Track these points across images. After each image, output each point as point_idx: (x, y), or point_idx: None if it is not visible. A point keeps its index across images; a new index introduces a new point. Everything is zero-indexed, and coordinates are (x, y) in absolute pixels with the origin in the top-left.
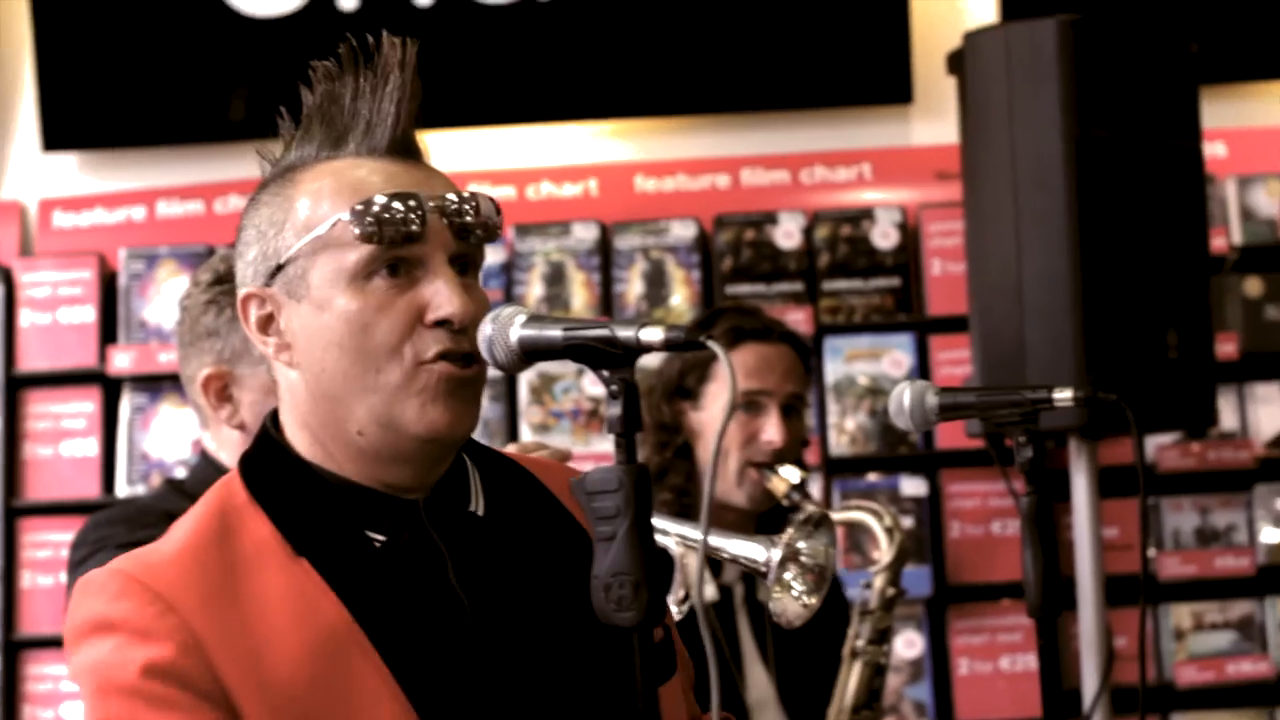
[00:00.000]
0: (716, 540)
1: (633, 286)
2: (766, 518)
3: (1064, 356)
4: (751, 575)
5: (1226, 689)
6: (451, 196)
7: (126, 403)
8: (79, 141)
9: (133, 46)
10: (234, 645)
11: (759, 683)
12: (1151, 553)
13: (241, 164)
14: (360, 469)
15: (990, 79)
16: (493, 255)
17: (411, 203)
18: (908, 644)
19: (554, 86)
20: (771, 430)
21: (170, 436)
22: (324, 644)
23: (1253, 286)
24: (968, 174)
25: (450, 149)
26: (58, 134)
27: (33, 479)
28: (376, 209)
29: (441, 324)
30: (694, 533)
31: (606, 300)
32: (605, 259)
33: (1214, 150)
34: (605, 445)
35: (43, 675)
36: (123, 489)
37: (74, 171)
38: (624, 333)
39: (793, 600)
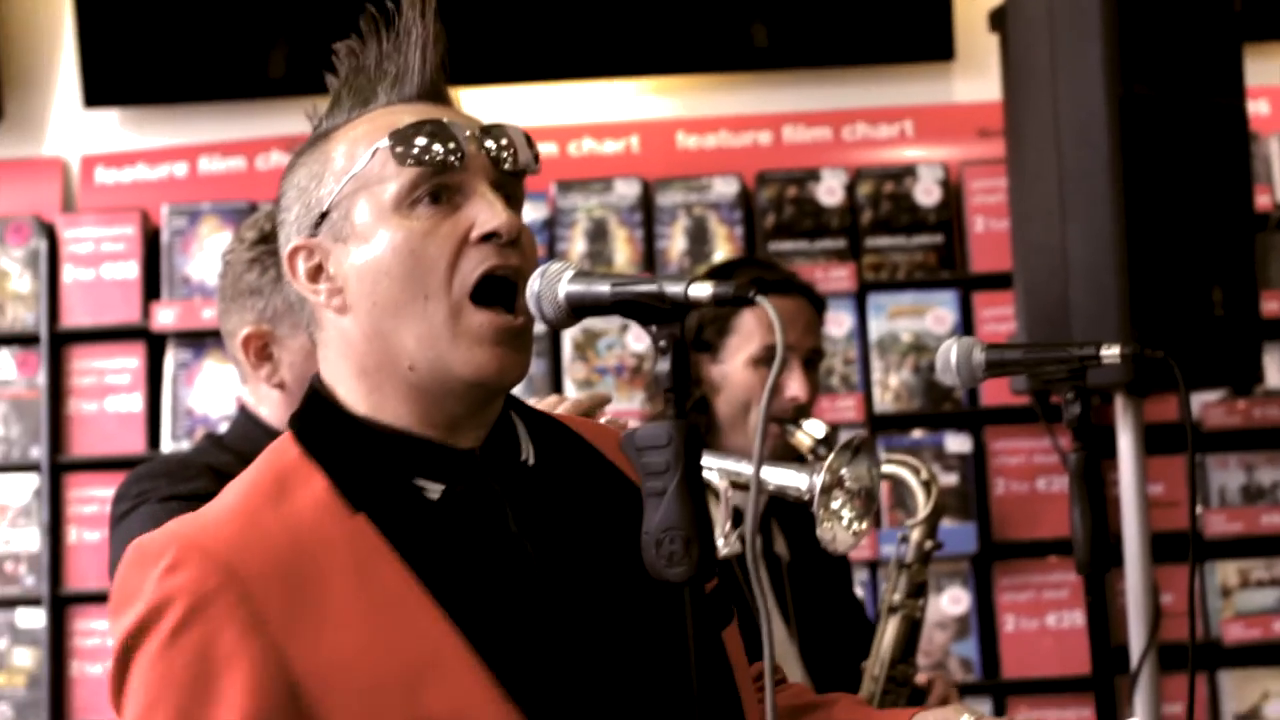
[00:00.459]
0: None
1: (675, 243)
2: None
3: (1108, 313)
4: (768, 527)
5: (1273, 646)
6: (485, 130)
7: (170, 358)
8: (121, 97)
9: (174, 2)
10: (295, 612)
11: (779, 637)
12: (1198, 510)
13: (283, 120)
14: (414, 412)
15: (1033, 35)
16: (535, 211)
17: (446, 131)
18: (954, 600)
19: (596, 43)
20: (795, 385)
21: (214, 392)
22: (386, 604)
23: None
24: (1010, 131)
25: (492, 105)
26: (99, 90)
27: (78, 435)
28: (414, 134)
29: (488, 239)
30: (735, 465)
31: (649, 257)
32: (647, 215)
33: (1258, 108)
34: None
35: (89, 630)
36: (167, 444)
37: (116, 127)
38: (672, 288)
39: (843, 528)
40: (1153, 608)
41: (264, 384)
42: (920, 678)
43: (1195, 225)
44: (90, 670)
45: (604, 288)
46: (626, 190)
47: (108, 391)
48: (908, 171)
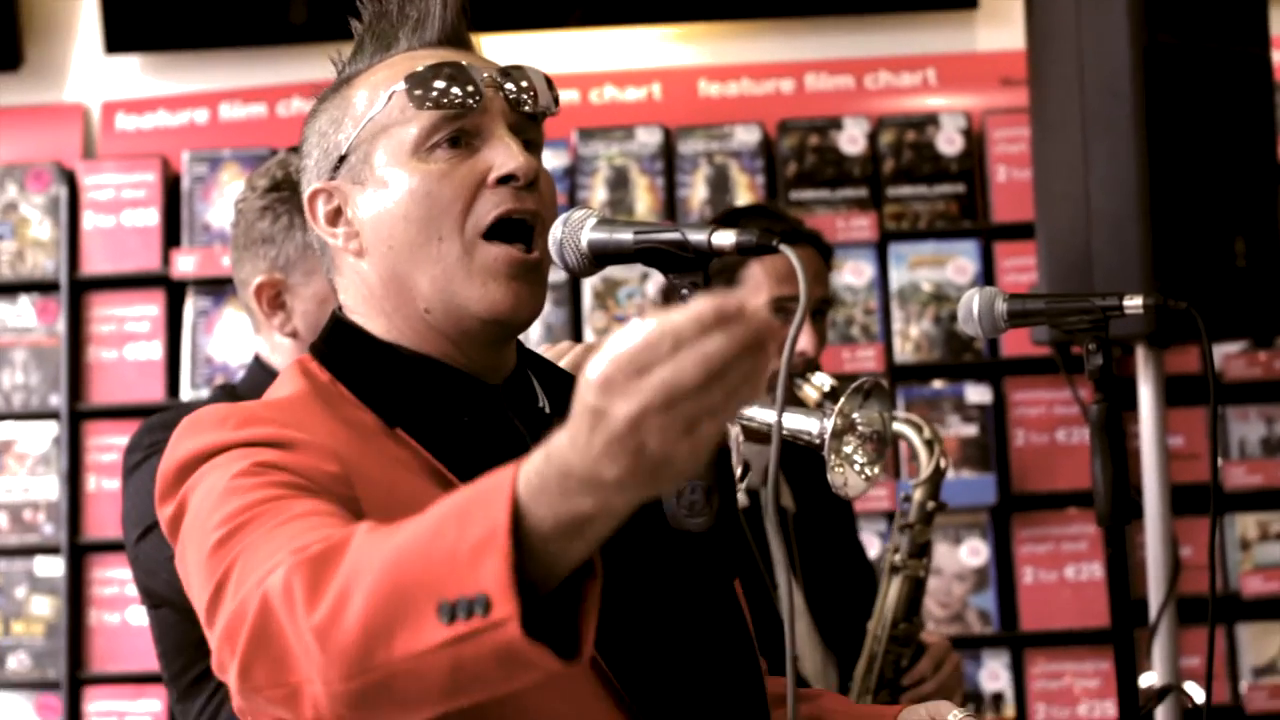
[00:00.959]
0: (767, 415)
1: (696, 191)
2: None
3: (1131, 264)
4: (778, 479)
5: None
6: (505, 73)
7: (190, 306)
8: (141, 43)
9: None
10: (368, 477)
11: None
12: (1219, 462)
13: (304, 66)
14: (437, 350)
15: None
16: (556, 159)
17: (466, 74)
18: (972, 552)
19: None
20: (804, 338)
21: (234, 340)
22: (432, 496)
23: None
24: (1034, 80)
25: (514, 52)
26: (120, 36)
27: (97, 382)
28: (431, 78)
29: (504, 182)
30: (748, 411)
31: (670, 205)
32: (669, 164)
33: None
34: None
35: (108, 579)
36: (187, 393)
37: (136, 73)
38: (696, 236)
39: (855, 473)
40: (1172, 560)
41: (277, 332)
42: (926, 636)
43: (1218, 176)
44: (108, 619)
45: (627, 235)
46: (648, 138)
47: (127, 339)
48: (930, 120)
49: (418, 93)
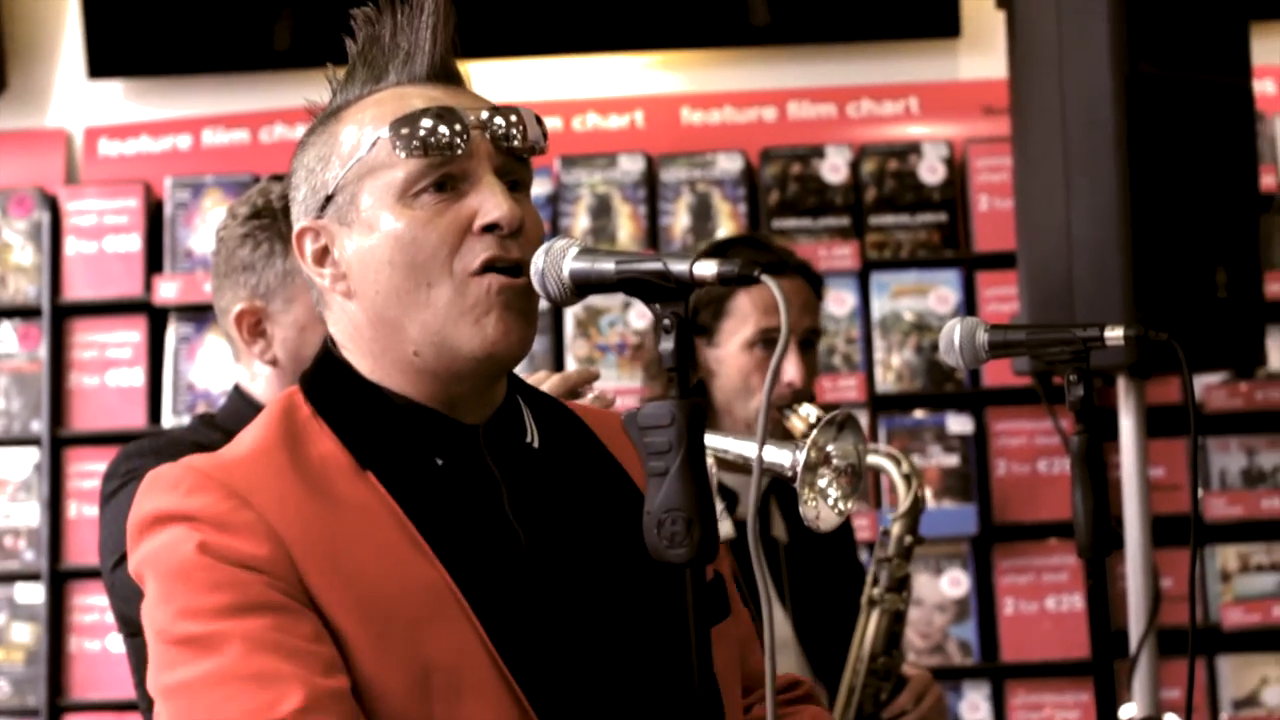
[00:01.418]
0: (742, 446)
1: (679, 219)
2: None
3: (1112, 294)
4: (766, 509)
5: (1273, 631)
6: (493, 112)
7: (172, 332)
8: (124, 69)
9: None
10: (312, 542)
11: (777, 623)
12: (1200, 493)
13: (287, 93)
14: (421, 392)
15: (1039, 13)
16: (539, 187)
17: (452, 117)
18: (953, 583)
19: (602, 17)
20: (791, 369)
21: (216, 366)
22: (394, 551)
23: None
24: (1016, 109)
25: (497, 79)
26: (103, 61)
27: (78, 409)
28: (416, 123)
29: (489, 230)
30: (721, 441)
31: (653, 233)
32: (651, 191)
33: (1264, 88)
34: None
35: (89, 606)
36: (168, 419)
37: (119, 99)
38: (677, 266)
39: (827, 507)
40: (1152, 591)
41: (257, 360)
42: (908, 669)
43: (1200, 206)
44: (89, 646)
45: (609, 265)
46: (630, 166)
47: (109, 365)
48: (912, 149)
49: (401, 139)
